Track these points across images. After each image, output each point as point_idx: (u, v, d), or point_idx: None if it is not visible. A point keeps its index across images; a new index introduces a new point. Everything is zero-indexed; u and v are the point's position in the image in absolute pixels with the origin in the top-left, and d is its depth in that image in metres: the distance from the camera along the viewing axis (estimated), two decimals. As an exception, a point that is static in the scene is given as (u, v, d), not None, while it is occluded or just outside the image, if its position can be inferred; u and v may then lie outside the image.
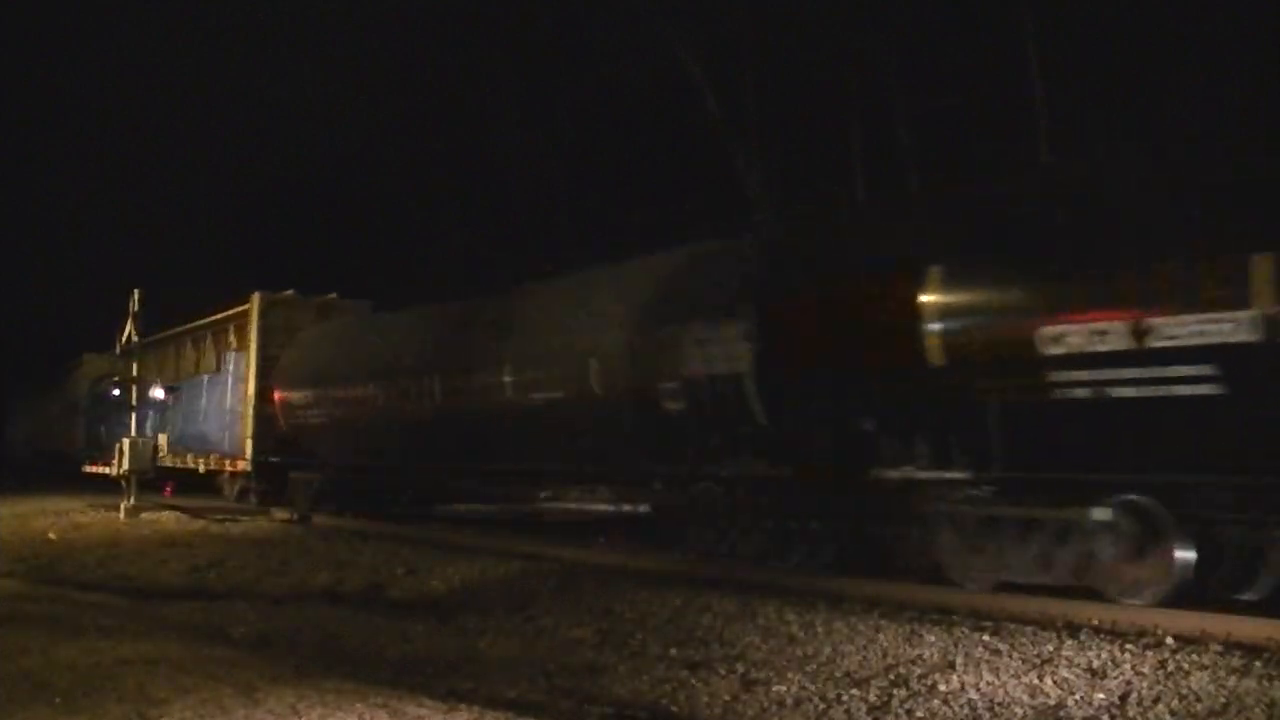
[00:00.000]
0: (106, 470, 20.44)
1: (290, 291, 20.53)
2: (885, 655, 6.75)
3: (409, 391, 15.48)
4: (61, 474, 28.55)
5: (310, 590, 10.29)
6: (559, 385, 12.72)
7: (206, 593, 10.17)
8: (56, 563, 12.28)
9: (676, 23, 24.42)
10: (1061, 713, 5.57)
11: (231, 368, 20.86)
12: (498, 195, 31.58)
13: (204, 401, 22.13)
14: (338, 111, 35.48)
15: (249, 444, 19.52)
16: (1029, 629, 7.19)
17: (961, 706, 5.70)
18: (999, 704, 5.70)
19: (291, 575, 11.20)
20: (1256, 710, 5.38)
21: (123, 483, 18.25)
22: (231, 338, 21.65)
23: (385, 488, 17.80)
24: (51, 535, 14.89)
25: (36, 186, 47.92)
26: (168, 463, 21.98)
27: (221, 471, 21.25)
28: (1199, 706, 5.48)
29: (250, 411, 19.50)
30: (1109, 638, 6.83)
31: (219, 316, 22.66)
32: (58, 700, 5.73)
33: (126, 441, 18.36)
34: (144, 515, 17.27)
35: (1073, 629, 7.11)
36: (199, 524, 16.32)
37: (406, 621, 8.55)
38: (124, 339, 19.44)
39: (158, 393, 22.25)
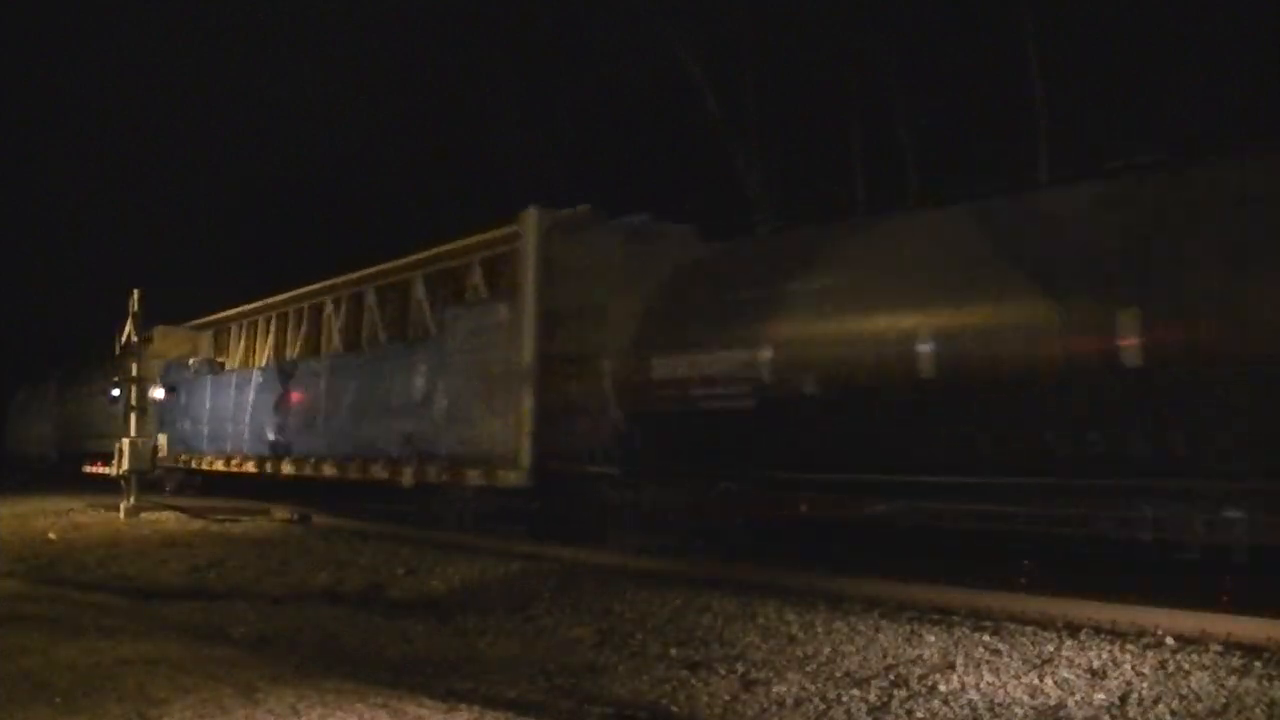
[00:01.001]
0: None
1: (585, 206, 14.00)
2: (885, 655, 6.75)
3: (1062, 332, 8.26)
4: (62, 475, 28.51)
5: (310, 590, 10.28)
6: None
7: (206, 593, 10.15)
8: (56, 563, 12.27)
9: (676, 23, 24.46)
10: (1061, 713, 5.57)
11: (467, 327, 14.52)
12: (498, 195, 31.58)
13: (403, 382, 15.60)
14: (338, 111, 35.61)
15: (526, 443, 12.93)
16: (1029, 629, 7.19)
17: (961, 706, 5.70)
18: (999, 704, 5.70)
19: (291, 575, 11.20)
20: (1256, 710, 5.38)
21: (122, 483, 18.25)
22: (419, 290, 16.40)
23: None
24: (51, 535, 14.88)
25: (36, 186, 48.01)
26: (329, 472, 16.96)
27: (458, 484, 14.17)
28: (1199, 706, 5.48)
29: (529, 394, 13.03)
30: (1109, 638, 6.83)
31: (416, 257, 16.64)
32: (58, 700, 5.73)
33: (126, 441, 18.34)
34: (144, 515, 17.27)
35: (1073, 629, 7.11)
36: (199, 524, 16.31)
37: (406, 621, 8.54)
38: (124, 339, 19.34)
39: (157, 393, 21.61)
